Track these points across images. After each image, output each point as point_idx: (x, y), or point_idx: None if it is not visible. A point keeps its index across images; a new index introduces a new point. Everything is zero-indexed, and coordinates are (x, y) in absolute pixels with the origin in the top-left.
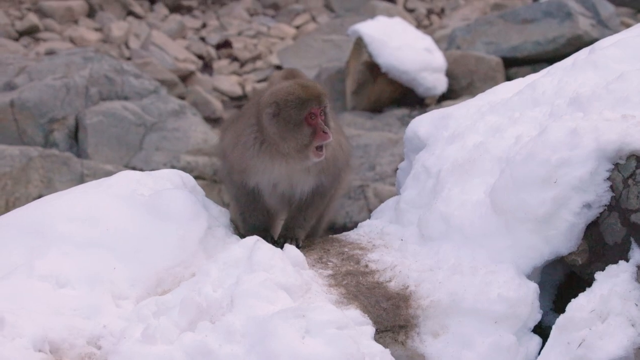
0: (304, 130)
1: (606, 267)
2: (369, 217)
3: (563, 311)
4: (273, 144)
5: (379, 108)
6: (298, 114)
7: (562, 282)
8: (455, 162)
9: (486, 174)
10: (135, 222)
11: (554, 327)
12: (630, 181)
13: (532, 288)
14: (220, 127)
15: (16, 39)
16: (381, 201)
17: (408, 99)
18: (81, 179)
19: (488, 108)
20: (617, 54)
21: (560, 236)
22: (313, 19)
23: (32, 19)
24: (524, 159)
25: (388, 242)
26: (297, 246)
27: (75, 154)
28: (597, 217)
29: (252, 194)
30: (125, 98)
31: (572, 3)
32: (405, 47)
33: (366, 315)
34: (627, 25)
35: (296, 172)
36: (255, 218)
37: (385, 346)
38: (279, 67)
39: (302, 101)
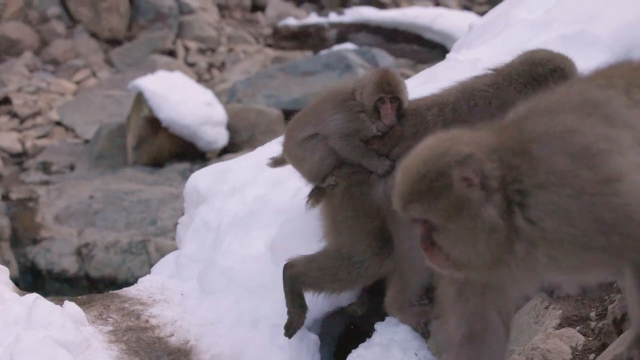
0: None
1: (386, 318)
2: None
3: None
4: None
5: (160, 163)
6: None
7: (343, 333)
8: (236, 216)
9: (267, 227)
10: None
11: None
12: None
13: (313, 339)
14: None
15: None
16: (162, 256)
17: (189, 153)
18: None
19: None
20: None
21: None
22: (93, 74)
23: None
24: (305, 211)
25: (169, 297)
26: None
27: None
28: None
29: None
30: None
31: (352, 55)
32: (186, 101)
33: None
34: (407, 77)
35: None
36: None
37: None
38: (59, 123)
39: None
